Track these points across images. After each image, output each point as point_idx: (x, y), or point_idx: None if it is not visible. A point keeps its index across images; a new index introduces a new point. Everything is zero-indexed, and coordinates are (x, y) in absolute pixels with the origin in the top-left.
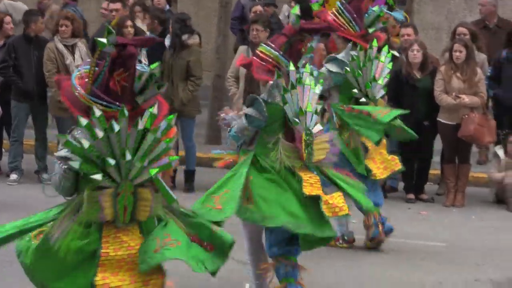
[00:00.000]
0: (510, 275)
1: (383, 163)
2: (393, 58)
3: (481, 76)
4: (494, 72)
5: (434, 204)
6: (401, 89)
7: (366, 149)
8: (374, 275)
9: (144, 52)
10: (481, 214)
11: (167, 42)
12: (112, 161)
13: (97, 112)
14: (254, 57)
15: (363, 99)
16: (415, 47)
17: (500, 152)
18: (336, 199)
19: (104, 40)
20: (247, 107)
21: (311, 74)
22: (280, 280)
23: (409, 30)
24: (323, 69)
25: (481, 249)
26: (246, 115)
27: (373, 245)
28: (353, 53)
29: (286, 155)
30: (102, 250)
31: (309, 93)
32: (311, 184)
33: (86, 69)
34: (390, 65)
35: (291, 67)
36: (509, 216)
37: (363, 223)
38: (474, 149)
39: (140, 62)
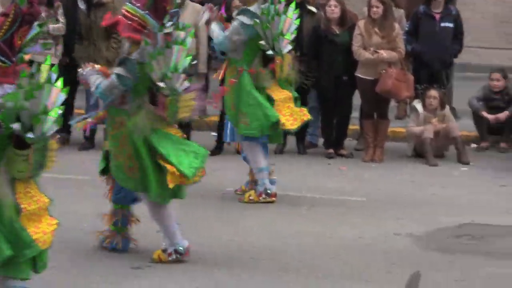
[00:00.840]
0: (429, 229)
1: (292, 115)
2: (311, 13)
3: (399, 31)
4: (412, 27)
5: (353, 160)
6: (320, 44)
7: (272, 101)
8: (294, 231)
9: (61, 11)
10: (400, 168)
11: (80, 3)
12: (41, 118)
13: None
14: (121, 16)
15: (270, 52)
16: (333, 2)
17: (419, 106)
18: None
19: None
20: (118, 66)
21: (181, 29)
22: (114, 228)
23: None
24: (235, 22)
25: (400, 203)
26: (117, 75)
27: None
28: (263, 6)
29: (149, 117)
30: (22, 206)
31: (180, 53)
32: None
33: None
34: (297, 21)
35: (160, 30)
36: (428, 170)
37: (250, 175)
38: (393, 104)
39: (58, 20)
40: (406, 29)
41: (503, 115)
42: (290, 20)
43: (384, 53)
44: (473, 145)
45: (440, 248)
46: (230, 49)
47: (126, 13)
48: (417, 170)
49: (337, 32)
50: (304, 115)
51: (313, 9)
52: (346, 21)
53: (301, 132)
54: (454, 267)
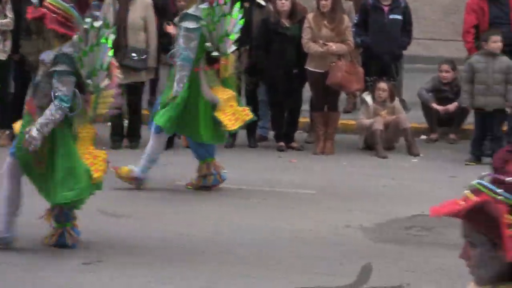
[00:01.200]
0: (380, 221)
1: (235, 115)
2: (260, 6)
3: (348, 23)
4: (361, 19)
5: (304, 152)
6: (269, 37)
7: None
8: (246, 224)
9: (9, 6)
10: (351, 160)
11: None
12: None
13: None
14: (44, 9)
15: (215, 53)
16: None
17: (368, 98)
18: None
19: None
20: (54, 65)
21: (106, 26)
22: (57, 225)
23: None
24: (182, 31)
25: (351, 195)
26: (60, 72)
27: (206, 188)
28: (203, 6)
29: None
30: None
31: (106, 51)
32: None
33: None
34: (241, 22)
35: (93, 28)
36: (378, 162)
37: (198, 170)
38: (344, 96)
39: (6, 16)
40: (355, 21)
41: (452, 106)
42: (235, 20)
43: (334, 46)
44: (423, 137)
45: (391, 239)
46: (195, 56)
47: (49, 6)
48: (368, 162)
49: (287, 25)
50: (246, 114)
51: (262, 2)
52: (296, 14)
53: (251, 126)
54: (404, 258)
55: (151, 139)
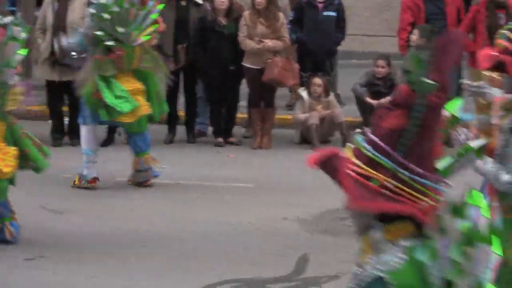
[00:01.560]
0: (316, 212)
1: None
2: (197, 5)
3: (283, 20)
4: (296, 16)
5: (242, 147)
6: (207, 35)
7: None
8: (186, 218)
9: None
10: (288, 154)
11: None
12: None
13: None
14: None
15: (110, 43)
16: None
17: (304, 93)
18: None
19: None
20: None
21: (17, 24)
22: None
23: None
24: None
25: (288, 188)
26: None
27: (139, 184)
28: None
29: None
30: None
31: (14, 49)
32: None
33: None
34: (155, 15)
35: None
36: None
37: (132, 165)
38: (285, 92)
39: None
40: (291, 18)
41: (385, 100)
42: (143, 13)
43: (269, 42)
44: (358, 130)
45: (327, 230)
46: (88, 44)
47: None
48: (304, 155)
49: (224, 23)
50: (144, 109)
51: (199, 0)
52: (233, 12)
53: (190, 121)
54: (341, 248)
55: (81, 131)
